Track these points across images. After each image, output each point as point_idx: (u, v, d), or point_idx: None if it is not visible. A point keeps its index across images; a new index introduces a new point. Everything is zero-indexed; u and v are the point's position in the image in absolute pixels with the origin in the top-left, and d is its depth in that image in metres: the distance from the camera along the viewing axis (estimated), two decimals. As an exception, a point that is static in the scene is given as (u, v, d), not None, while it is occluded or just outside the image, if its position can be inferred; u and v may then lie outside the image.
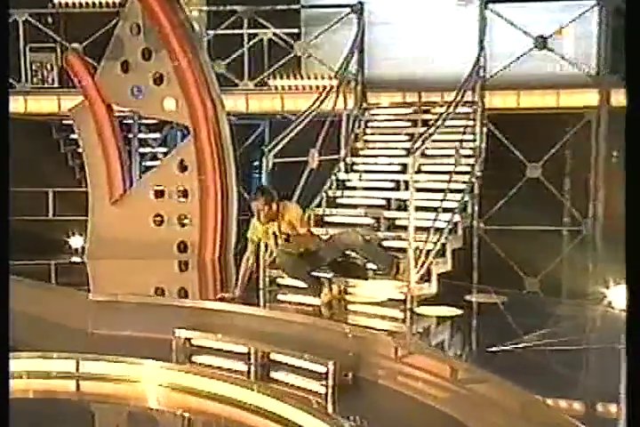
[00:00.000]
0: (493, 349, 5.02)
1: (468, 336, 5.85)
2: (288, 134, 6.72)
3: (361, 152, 8.18)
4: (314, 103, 7.55)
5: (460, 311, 6.02)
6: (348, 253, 6.21)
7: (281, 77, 9.00)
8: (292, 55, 9.01)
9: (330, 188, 7.65)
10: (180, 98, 8.12)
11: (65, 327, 6.51)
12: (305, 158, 7.16)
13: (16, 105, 9.10)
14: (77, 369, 5.84)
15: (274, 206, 5.95)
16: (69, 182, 10.03)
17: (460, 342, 5.78)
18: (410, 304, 6.00)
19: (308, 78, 8.91)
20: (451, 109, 6.86)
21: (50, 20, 9.45)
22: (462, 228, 6.81)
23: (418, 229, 6.32)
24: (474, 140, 7.53)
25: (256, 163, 10.66)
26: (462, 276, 6.86)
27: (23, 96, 9.21)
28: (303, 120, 6.94)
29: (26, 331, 5.96)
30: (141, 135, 9.68)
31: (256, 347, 5.59)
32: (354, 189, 7.73)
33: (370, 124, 8.46)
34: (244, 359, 5.63)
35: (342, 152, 7.93)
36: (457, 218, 6.72)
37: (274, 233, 5.97)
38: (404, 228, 6.27)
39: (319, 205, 7.46)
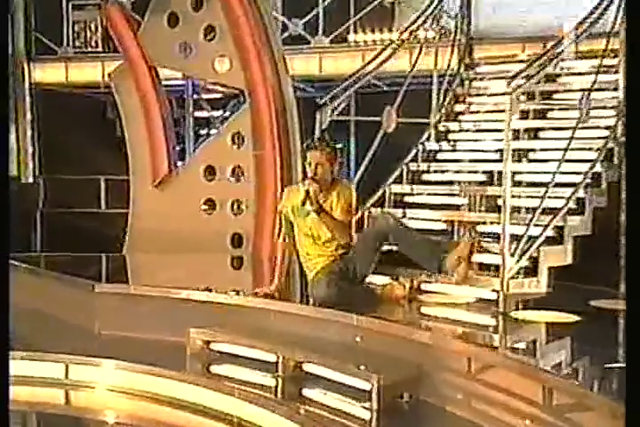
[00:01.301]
0: (612, 365, 3.84)
1: (580, 351, 4.60)
2: (352, 85, 5.76)
3: (461, 117, 7.08)
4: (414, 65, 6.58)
5: (576, 318, 4.82)
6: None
7: (364, 31, 8.02)
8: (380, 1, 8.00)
9: (414, 160, 6.59)
10: (235, 56, 7.38)
11: (69, 325, 5.83)
12: (377, 119, 6.14)
13: (57, 73, 8.68)
14: (67, 375, 5.09)
15: (334, 168, 5.09)
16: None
17: (569, 357, 4.55)
18: (504, 306, 4.86)
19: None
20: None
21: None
22: (590, 208, 5.56)
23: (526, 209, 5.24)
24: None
25: (339, 145, 9.83)
26: (589, 272, 5.59)
27: (65, 62, 8.74)
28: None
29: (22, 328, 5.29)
30: (201, 113, 8.98)
31: (286, 355, 4.64)
32: (445, 161, 6.62)
33: (475, 84, 7.35)
34: (272, 371, 4.69)
35: (433, 116, 6.85)
36: (581, 194, 5.48)
37: (317, 210, 5.01)
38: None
39: (398, 181, 6.41)
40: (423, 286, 5.36)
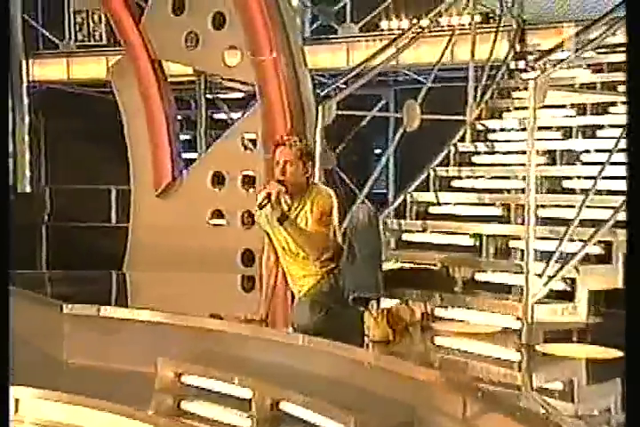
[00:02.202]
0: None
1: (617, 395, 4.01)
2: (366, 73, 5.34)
3: (505, 115, 6.56)
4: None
5: (618, 354, 4.24)
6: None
7: (398, 17, 7.56)
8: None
9: (443, 163, 6.09)
10: (245, 47, 7.02)
11: (34, 351, 5.49)
12: (397, 115, 5.69)
13: (58, 69, 8.48)
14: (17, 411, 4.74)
15: (307, 169, 4.60)
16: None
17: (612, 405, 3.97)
18: (527, 337, 4.33)
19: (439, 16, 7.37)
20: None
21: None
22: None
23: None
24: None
25: (377, 150, 9.43)
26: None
27: (66, 57, 8.53)
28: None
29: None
30: (218, 115, 8.65)
31: (262, 392, 4.20)
32: (481, 165, 6.11)
33: (525, 76, 6.81)
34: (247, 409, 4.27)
35: (469, 114, 6.35)
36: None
37: (280, 218, 4.46)
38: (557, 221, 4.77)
39: (423, 188, 5.92)
40: (438, 312, 4.86)
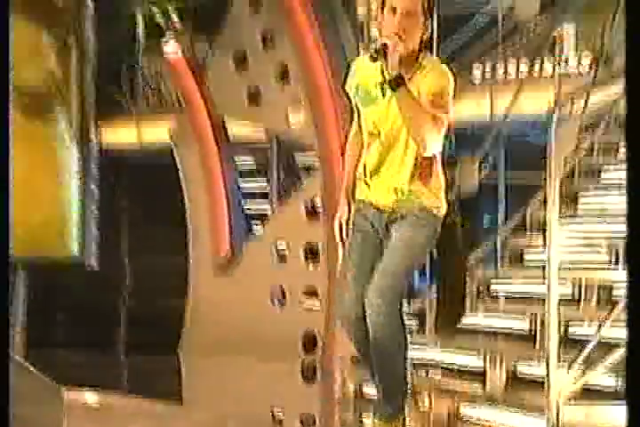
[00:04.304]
0: None
1: None
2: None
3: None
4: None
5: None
6: None
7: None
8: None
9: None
10: (307, 101, 7.11)
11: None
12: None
13: (128, 132, 8.82)
14: None
15: (426, 26, 3.65)
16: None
17: None
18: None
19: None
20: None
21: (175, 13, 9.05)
22: None
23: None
24: None
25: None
26: None
27: (136, 121, 8.85)
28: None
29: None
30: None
31: None
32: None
33: None
34: None
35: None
36: None
37: (395, 81, 3.50)
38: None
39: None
40: (464, 409, 4.48)
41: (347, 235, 3.65)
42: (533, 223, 6.09)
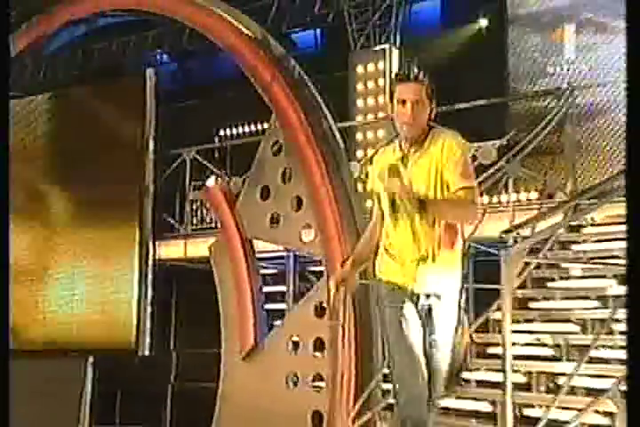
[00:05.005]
0: None
1: None
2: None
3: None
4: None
5: None
6: None
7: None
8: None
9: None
10: (316, 225, 7.33)
11: None
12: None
13: (177, 249, 9.08)
14: None
15: (431, 107, 3.52)
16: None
17: None
18: None
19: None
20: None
21: (216, 155, 9.52)
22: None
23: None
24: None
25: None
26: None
27: (183, 240, 9.15)
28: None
29: None
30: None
31: None
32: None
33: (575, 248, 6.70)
34: None
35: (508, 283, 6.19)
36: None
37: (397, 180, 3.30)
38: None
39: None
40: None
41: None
42: (494, 324, 6.28)
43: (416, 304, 3.41)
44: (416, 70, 3.45)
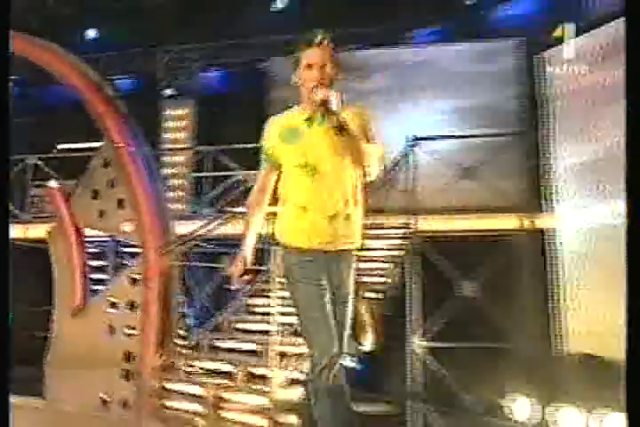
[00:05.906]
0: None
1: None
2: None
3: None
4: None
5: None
6: None
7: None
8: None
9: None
10: (135, 220, 7.96)
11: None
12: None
13: (18, 231, 9.24)
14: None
15: (338, 72, 3.02)
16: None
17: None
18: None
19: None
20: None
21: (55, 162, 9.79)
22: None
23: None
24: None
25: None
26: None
27: (23, 224, 9.33)
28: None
29: None
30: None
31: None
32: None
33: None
34: None
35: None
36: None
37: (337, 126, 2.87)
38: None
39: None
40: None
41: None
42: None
43: (327, 263, 2.86)
44: (320, 36, 2.96)
